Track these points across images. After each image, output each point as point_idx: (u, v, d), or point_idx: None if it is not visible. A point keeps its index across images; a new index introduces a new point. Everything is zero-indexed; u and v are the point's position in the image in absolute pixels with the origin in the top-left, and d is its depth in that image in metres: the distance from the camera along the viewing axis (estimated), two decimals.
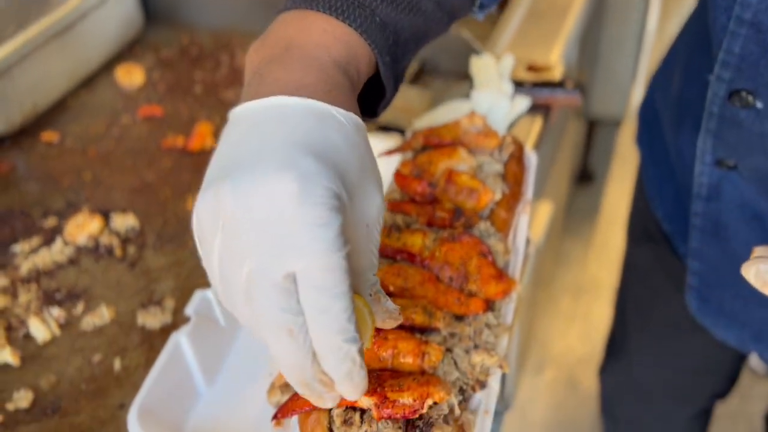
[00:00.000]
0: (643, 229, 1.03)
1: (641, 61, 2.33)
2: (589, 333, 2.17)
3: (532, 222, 1.55)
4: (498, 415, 1.91)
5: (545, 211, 1.52)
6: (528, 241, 1.36)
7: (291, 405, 0.55)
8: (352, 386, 0.43)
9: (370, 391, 0.53)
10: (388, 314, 0.48)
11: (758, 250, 0.46)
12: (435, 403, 0.54)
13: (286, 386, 0.61)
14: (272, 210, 0.39)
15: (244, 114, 0.44)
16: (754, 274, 0.46)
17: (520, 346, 1.93)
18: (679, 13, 3.10)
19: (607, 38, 2.14)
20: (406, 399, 0.52)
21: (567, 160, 2.11)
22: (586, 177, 2.58)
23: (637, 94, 2.40)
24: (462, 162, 0.72)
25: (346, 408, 0.54)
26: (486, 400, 0.58)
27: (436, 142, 0.75)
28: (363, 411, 0.54)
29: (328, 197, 0.39)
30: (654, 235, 0.98)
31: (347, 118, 0.44)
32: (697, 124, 0.72)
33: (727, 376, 1.08)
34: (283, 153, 0.40)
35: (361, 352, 0.42)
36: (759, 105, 0.62)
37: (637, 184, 1.06)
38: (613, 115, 2.41)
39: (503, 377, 1.81)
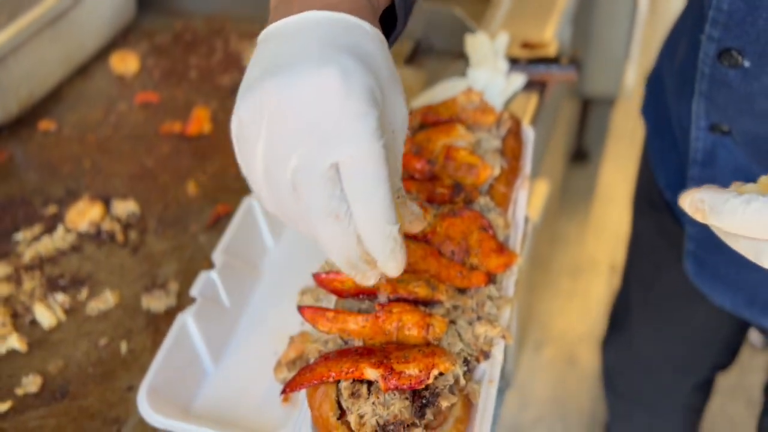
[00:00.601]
0: (647, 200, 1.04)
1: (634, 38, 2.33)
2: (588, 311, 2.18)
3: (529, 201, 1.56)
4: (499, 392, 1.93)
5: (542, 190, 1.53)
6: (526, 220, 1.37)
7: (299, 379, 0.55)
8: (395, 263, 0.48)
9: (376, 364, 0.53)
10: (414, 216, 0.53)
11: (734, 185, 0.47)
12: (440, 374, 0.55)
13: (292, 363, 0.62)
14: (317, 103, 0.42)
15: (276, 30, 0.47)
16: (689, 203, 0.47)
17: (520, 325, 1.94)
18: None
19: (599, 16, 2.14)
20: (412, 370, 0.53)
21: (562, 139, 2.12)
22: (581, 156, 2.58)
23: (631, 72, 2.40)
24: (460, 138, 0.73)
25: (353, 381, 0.55)
26: (490, 369, 0.59)
27: (433, 120, 0.76)
28: (370, 383, 0.55)
29: (368, 91, 0.42)
30: (657, 205, 0.99)
31: (374, 32, 0.47)
32: (693, 91, 0.73)
33: (728, 346, 1.10)
34: (322, 52, 0.43)
35: (401, 232, 0.47)
36: (746, 64, 0.63)
37: (642, 156, 1.07)
38: (607, 94, 2.42)
39: (504, 353, 1.82)
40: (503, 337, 0.60)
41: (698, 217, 0.47)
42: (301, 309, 0.58)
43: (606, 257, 2.34)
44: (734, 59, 0.64)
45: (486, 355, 0.59)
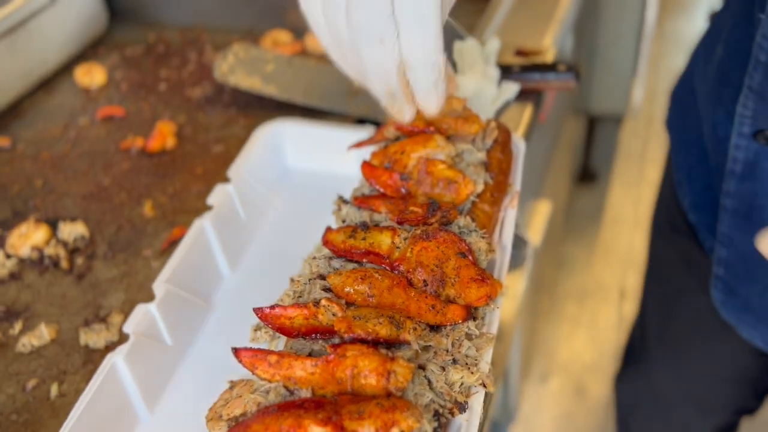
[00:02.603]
0: (667, 221, 0.95)
1: (641, 55, 2.24)
2: (596, 338, 2.07)
3: (530, 223, 1.47)
4: (501, 428, 1.81)
5: (544, 211, 1.43)
6: (526, 243, 1.27)
7: None
8: (435, 97, 0.49)
9: (323, 420, 0.44)
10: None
11: None
12: None
13: (232, 417, 0.52)
14: None
15: None
16: None
17: (523, 354, 1.83)
18: (679, 6, 3.01)
19: (604, 32, 2.06)
20: (367, 429, 0.43)
21: (566, 159, 2.02)
22: (588, 176, 2.49)
23: (639, 90, 2.31)
24: (439, 150, 0.64)
25: None
26: (466, 425, 0.49)
27: (409, 130, 0.67)
28: None
29: None
30: (679, 228, 0.90)
31: None
32: (736, 94, 0.66)
33: (755, 387, 0.99)
34: None
35: (445, 64, 0.47)
36: None
37: (664, 172, 0.98)
38: (614, 112, 2.33)
39: (505, 382, 1.71)
40: (483, 385, 0.50)
41: None
42: (236, 352, 0.49)
43: (615, 282, 2.23)
44: None
45: (461, 407, 0.49)
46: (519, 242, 1.28)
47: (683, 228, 0.90)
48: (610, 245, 2.36)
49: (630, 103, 2.35)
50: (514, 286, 1.25)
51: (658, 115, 2.75)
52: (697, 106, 0.84)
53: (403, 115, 0.51)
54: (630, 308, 2.14)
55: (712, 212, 0.80)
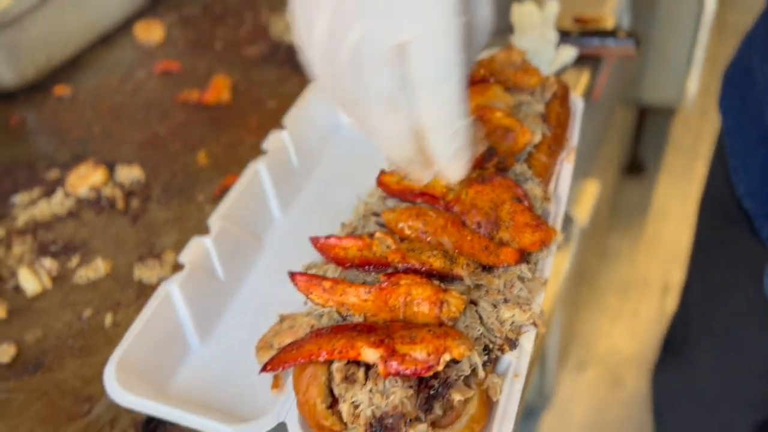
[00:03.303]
0: (718, 209, 0.92)
1: (699, 43, 2.18)
2: (636, 332, 2.03)
3: (577, 203, 1.45)
4: (536, 412, 1.80)
5: (592, 191, 1.41)
6: (572, 220, 1.25)
7: (283, 357, 0.46)
8: (458, 166, 0.43)
9: (376, 343, 0.44)
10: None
11: None
12: (454, 361, 0.45)
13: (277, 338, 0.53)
14: None
15: None
16: None
17: (561, 342, 1.81)
18: None
19: (661, 18, 2.01)
20: (419, 353, 0.43)
21: (614, 149, 1.99)
22: (636, 168, 2.44)
23: (694, 80, 2.25)
24: (497, 99, 0.63)
25: (348, 362, 0.45)
26: (516, 362, 0.48)
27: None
28: (368, 367, 0.45)
29: None
30: (731, 215, 0.87)
31: None
32: None
33: None
34: None
35: (469, 129, 0.42)
36: None
37: (714, 157, 0.95)
38: (667, 103, 2.28)
39: (542, 368, 1.69)
40: (534, 324, 0.50)
41: None
42: (293, 276, 0.50)
43: (659, 276, 2.19)
44: None
45: (512, 344, 0.49)
46: (566, 220, 1.26)
47: (736, 216, 0.88)
48: (656, 239, 2.31)
49: (683, 95, 2.30)
50: (558, 267, 1.24)
51: (712, 110, 2.68)
52: (757, 87, 0.81)
53: (420, 179, 0.46)
54: (673, 303, 2.10)
55: None
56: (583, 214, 1.32)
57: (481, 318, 0.49)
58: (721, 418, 1.04)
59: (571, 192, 1.36)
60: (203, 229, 0.75)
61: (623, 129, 2.10)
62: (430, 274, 0.49)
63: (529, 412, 1.76)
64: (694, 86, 2.30)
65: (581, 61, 0.88)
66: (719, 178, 0.92)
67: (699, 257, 1.03)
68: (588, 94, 0.89)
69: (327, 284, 0.49)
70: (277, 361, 0.46)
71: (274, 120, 0.90)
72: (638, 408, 1.83)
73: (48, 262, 0.73)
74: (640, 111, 2.33)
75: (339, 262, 0.52)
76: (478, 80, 0.65)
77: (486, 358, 0.48)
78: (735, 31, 2.99)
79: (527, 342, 0.49)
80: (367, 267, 0.51)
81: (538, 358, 1.49)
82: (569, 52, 0.85)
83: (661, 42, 2.01)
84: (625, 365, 1.94)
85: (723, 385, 1.01)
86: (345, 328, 0.46)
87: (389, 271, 0.50)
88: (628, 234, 2.32)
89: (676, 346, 1.09)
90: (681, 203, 2.38)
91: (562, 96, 0.67)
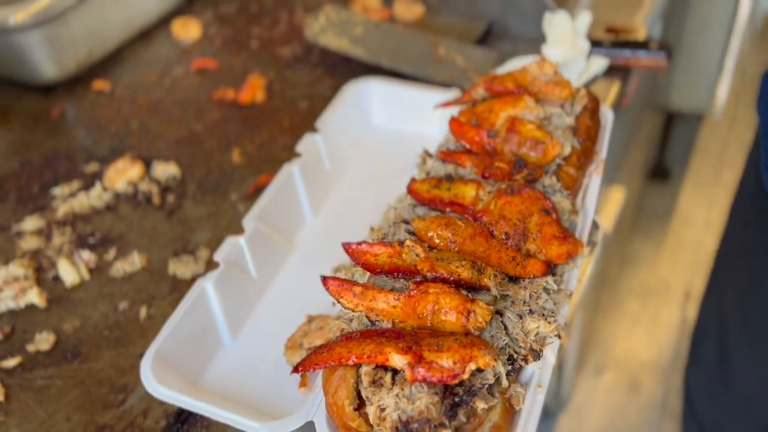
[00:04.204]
0: (753, 210, 0.92)
1: (730, 51, 2.15)
2: (656, 337, 2.03)
3: (602, 209, 1.45)
4: (552, 415, 1.81)
5: (617, 198, 1.41)
6: (597, 226, 1.26)
7: (314, 359, 0.48)
8: None
9: (404, 349, 0.46)
10: None
11: None
12: (479, 370, 0.46)
13: (305, 345, 0.55)
14: None
15: None
16: None
17: (580, 346, 1.81)
18: None
19: (692, 22, 1.99)
20: (445, 361, 0.45)
21: (640, 153, 1.98)
22: (662, 174, 2.42)
23: (724, 87, 2.23)
24: (528, 111, 0.64)
25: (376, 367, 0.47)
26: (539, 372, 0.50)
27: (498, 90, 0.67)
28: (395, 372, 0.47)
29: None
30: (766, 215, 0.88)
31: None
32: None
33: None
34: None
35: None
36: None
37: (747, 161, 0.95)
38: (695, 109, 2.25)
39: (559, 371, 1.70)
40: (558, 336, 0.51)
41: None
42: (324, 280, 0.51)
43: (681, 282, 2.18)
44: None
45: (536, 355, 0.50)
46: (591, 227, 1.27)
47: None
48: (679, 245, 2.30)
49: (713, 102, 2.28)
50: (580, 273, 1.24)
51: (742, 117, 2.65)
52: None
53: None
54: (694, 310, 2.09)
55: None
56: (607, 220, 1.32)
57: (506, 328, 0.51)
58: (757, 417, 1.04)
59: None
60: (236, 227, 0.78)
61: (650, 134, 2.09)
62: (457, 284, 0.51)
63: (546, 415, 1.77)
64: (724, 93, 2.27)
65: (611, 70, 0.89)
66: (753, 177, 0.93)
67: (733, 257, 1.03)
68: (617, 103, 0.89)
69: (357, 289, 0.51)
70: (308, 363, 0.48)
71: (306, 121, 0.92)
72: (655, 413, 1.82)
73: (86, 254, 0.76)
74: (667, 116, 2.31)
75: (369, 268, 0.53)
76: (508, 91, 0.67)
77: (510, 367, 0.49)
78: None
79: (551, 353, 0.51)
80: (396, 274, 0.53)
81: (556, 361, 1.50)
82: (600, 63, 0.86)
83: (692, 48, 1.99)
84: (642, 370, 1.94)
85: (761, 385, 1.00)
86: (374, 333, 0.48)
87: (418, 279, 0.52)
88: (651, 239, 2.31)
89: (712, 341, 1.08)
90: (706, 210, 2.37)
91: (593, 109, 0.68)
